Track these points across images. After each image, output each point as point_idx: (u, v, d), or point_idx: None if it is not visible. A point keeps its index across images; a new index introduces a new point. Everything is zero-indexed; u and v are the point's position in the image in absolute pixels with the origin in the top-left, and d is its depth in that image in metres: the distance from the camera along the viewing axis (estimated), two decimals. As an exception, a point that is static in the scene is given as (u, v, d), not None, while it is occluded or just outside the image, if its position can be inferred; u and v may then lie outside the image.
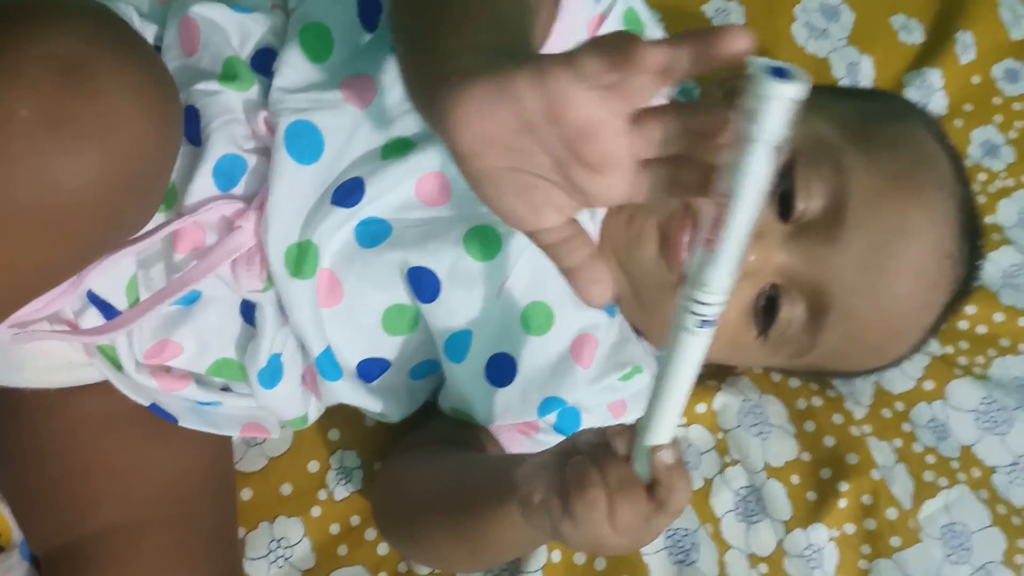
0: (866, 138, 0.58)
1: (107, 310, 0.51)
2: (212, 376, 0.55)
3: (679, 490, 0.41)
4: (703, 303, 0.37)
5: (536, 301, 0.56)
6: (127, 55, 0.40)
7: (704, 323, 0.38)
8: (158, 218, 0.51)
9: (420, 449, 0.59)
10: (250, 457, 0.62)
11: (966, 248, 0.60)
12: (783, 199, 0.56)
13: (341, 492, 0.62)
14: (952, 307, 0.63)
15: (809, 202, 0.56)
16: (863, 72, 0.82)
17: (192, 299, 0.53)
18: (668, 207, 0.51)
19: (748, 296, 0.57)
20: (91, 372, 0.54)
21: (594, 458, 0.42)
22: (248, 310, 0.54)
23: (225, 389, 0.57)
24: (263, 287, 0.52)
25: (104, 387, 0.54)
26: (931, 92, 0.82)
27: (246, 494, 0.61)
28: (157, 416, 0.55)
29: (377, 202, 0.53)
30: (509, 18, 0.41)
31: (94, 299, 0.50)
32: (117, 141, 0.38)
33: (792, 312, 0.57)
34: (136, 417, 0.55)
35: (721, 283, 0.36)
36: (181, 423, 0.55)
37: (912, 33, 0.85)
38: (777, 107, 0.32)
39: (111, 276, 0.49)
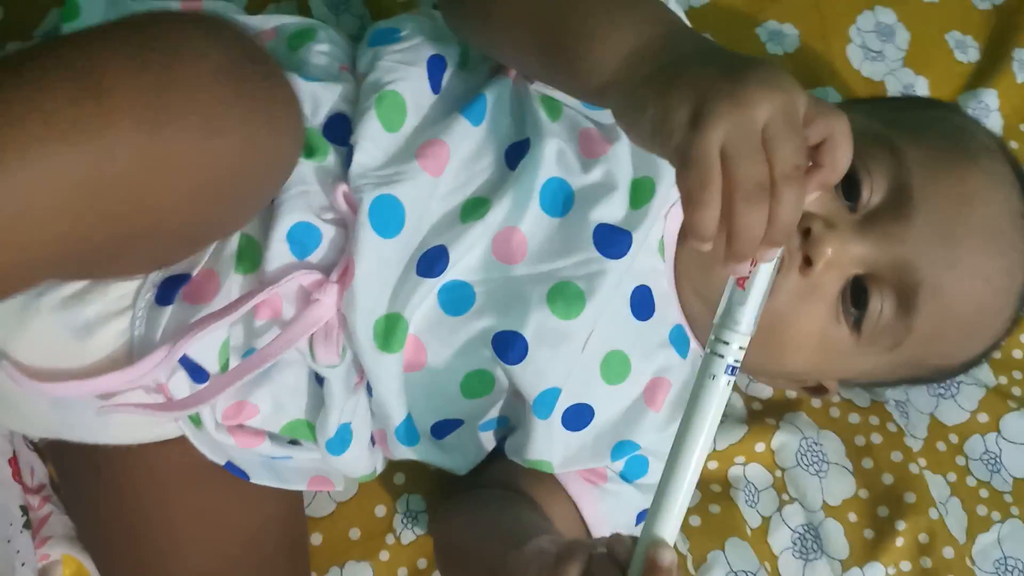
0: (907, 124, 0.59)
1: (197, 374, 0.52)
2: (285, 434, 0.56)
3: None
4: (732, 343, 0.41)
5: (614, 350, 0.57)
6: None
7: (733, 369, 0.42)
8: (241, 283, 0.52)
9: (476, 494, 0.60)
10: (319, 502, 0.63)
11: None
12: (847, 190, 0.56)
13: (408, 536, 0.63)
14: None
15: (873, 187, 0.56)
16: (919, 94, 0.81)
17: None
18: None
19: (833, 292, 0.56)
20: (171, 427, 0.55)
21: (589, 560, 0.43)
22: (319, 375, 0.54)
23: (294, 442, 0.58)
24: (339, 361, 0.52)
25: (184, 441, 0.55)
26: (987, 113, 0.81)
27: (316, 539, 0.63)
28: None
29: (459, 265, 0.53)
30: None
31: (185, 363, 0.51)
32: (275, 126, 0.41)
33: (881, 299, 0.56)
34: (215, 471, 0.56)
35: (750, 322, 0.42)
36: (253, 480, 0.56)
37: (967, 51, 0.83)
38: None
39: (205, 342, 0.50)
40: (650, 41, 0.46)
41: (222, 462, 0.55)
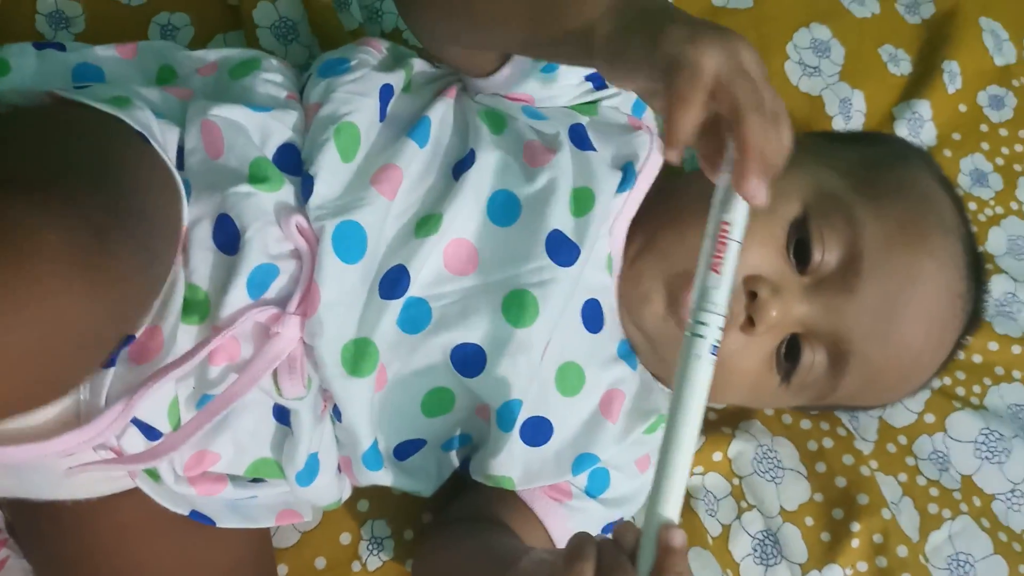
0: (871, 185, 0.61)
1: (149, 432, 0.51)
2: (249, 476, 0.56)
3: None
4: (711, 324, 0.44)
5: (568, 361, 0.58)
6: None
7: (714, 348, 0.44)
8: (192, 332, 0.51)
9: (451, 528, 0.60)
10: (283, 533, 0.63)
11: (973, 285, 0.64)
12: (799, 252, 0.58)
13: (374, 562, 0.64)
14: (961, 342, 0.66)
15: (824, 255, 0.58)
16: (855, 107, 0.83)
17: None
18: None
19: (771, 346, 0.59)
20: (129, 480, 0.54)
21: (598, 551, 0.43)
22: (282, 411, 0.54)
23: (257, 480, 0.57)
24: (305, 393, 0.52)
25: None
26: (921, 123, 0.84)
27: (282, 570, 0.63)
28: None
29: (416, 282, 0.54)
30: None
31: (136, 423, 0.50)
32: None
33: (813, 359, 0.59)
34: (179, 517, 0.55)
35: (724, 302, 0.44)
36: (219, 525, 0.55)
37: (900, 64, 0.86)
38: None
39: (153, 401, 0.49)
40: None
41: (185, 512, 0.54)
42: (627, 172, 0.59)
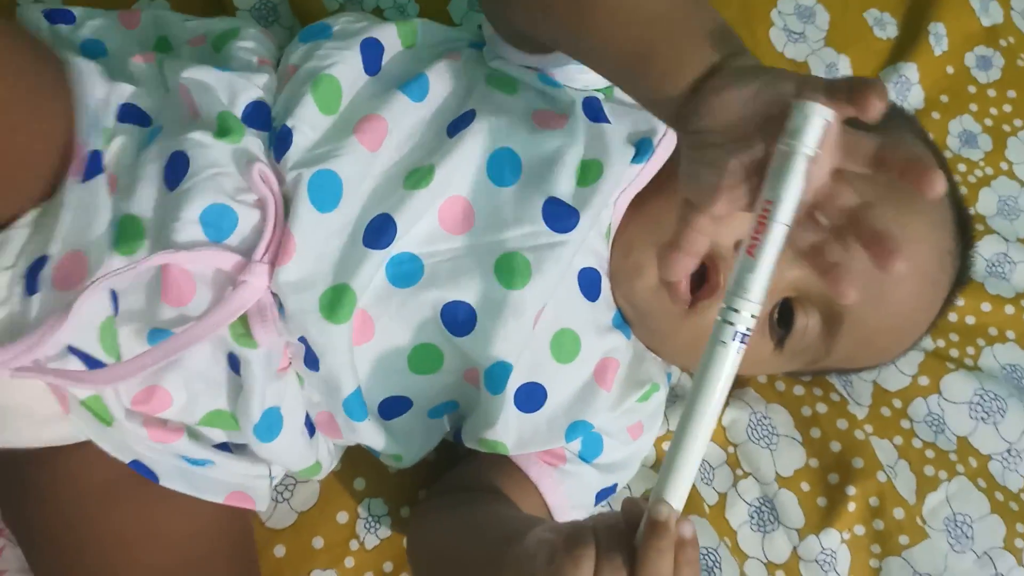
0: None
1: (89, 361, 0.51)
2: (205, 427, 0.55)
3: (655, 557, 0.41)
4: (742, 311, 0.41)
5: (564, 328, 0.58)
6: None
7: (743, 337, 0.41)
8: (137, 260, 0.50)
9: (447, 499, 0.60)
10: (279, 514, 0.63)
11: (961, 242, 0.64)
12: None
13: (372, 540, 0.64)
14: (951, 299, 0.66)
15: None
16: (841, 72, 0.83)
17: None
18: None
19: (763, 313, 0.59)
20: (71, 428, 0.53)
21: (597, 528, 0.43)
22: (235, 360, 0.53)
23: (223, 447, 0.57)
24: (279, 340, 0.52)
25: (104, 454, 0.54)
26: (908, 86, 0.84)
27: (279, 551, 0.63)
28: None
29: (407, 236, 0.54)
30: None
31: (75, 351, 0.50)
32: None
33: (807, 322, 0.59)
34: (143, 482, 0.55)
35: (761, 289, 0.41)
36: (162, 483, 0.55)
37: (886, 28, 0.86)
38: (816, 123, 0.40)
39: (86, 317, 0.49)
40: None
41: (127, 460, 0.54)
42: (644, 145, 0.59)
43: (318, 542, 0.63)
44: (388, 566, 0.63)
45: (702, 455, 0.42)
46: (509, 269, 0.54)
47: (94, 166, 0.52)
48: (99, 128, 0.53)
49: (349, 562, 0.63)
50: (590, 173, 0.57)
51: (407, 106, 0.55)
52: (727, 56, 0.46)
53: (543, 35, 0.55)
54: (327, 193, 0.52)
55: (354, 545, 0.63)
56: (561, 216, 0.55)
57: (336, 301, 0.52)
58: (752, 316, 0.42)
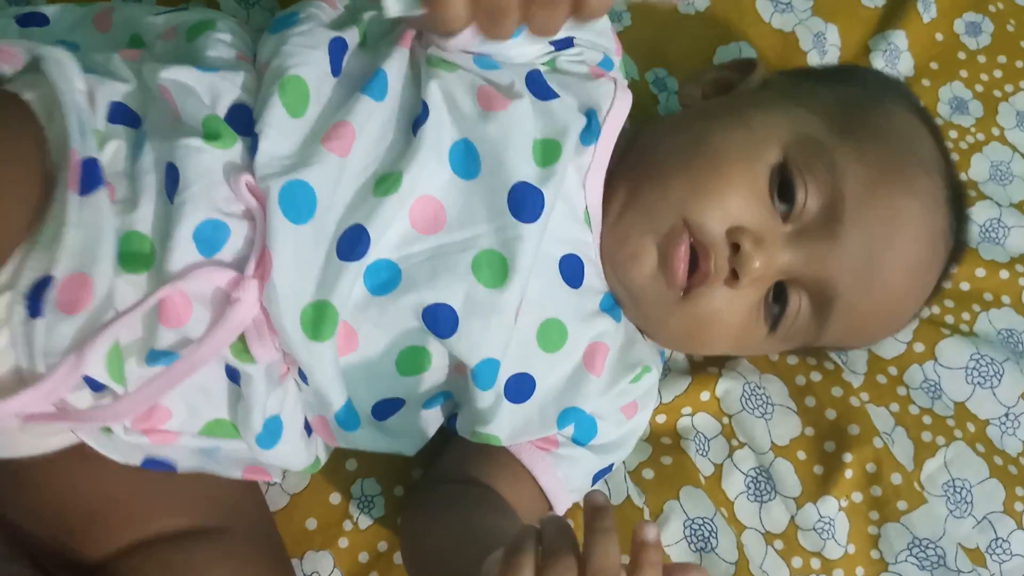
0: (852, 129, 0.60)
1: (92, 384, 0.50)
2: (205, 435, 0.55)
3: (600, 539, 0.41)
4: None
5: (549, 318, 0.57)
6: None
7: None
8: (138, 283, 0.50)
9: (435, 501, 0.59)
10: (271, 496, 0.63)
11: (955, 219, 0.63)
12: (782, 195, 0.58)
13: (365, 520, 0.63)
14: (944, 276, 0.66)
15: (807, 197, 0.58)
16: (829, 41, 0.82)
17: (173, 359, 0.51)
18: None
19: (756, 296, 0.59)
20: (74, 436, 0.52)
21: (545, 529, 0.43)
22: (234, 371, 0.53)
23: None
24: (279, 356, 0.52)
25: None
26: (897, 54, 0.83)
27: (273, 533, 0.62)
28: None
29: (380, 243, 0.53)
30: None
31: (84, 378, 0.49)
32: None
33: (798, 307, 0.59)
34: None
35: None
36: (180, 470, 0.54)
37: (873, -4, 0.85)
38: None
39: (95, 350, 0.48)
40: None
41: (138, 462, 0.53)
42: (590, 122, 0.58)
43: (311, 523, 0.63)
44: (383, 546, 0.63)
45: None
46: (487, 266, 0.54)
47: (92, 177, 0.49)
48: (89, 131, 0.50)
49: (343, 543, 0.63)
50: (550, 152, 0.56)
51: (371, 107, 0.54)
52: None
53: None
54: (300, 204, 0.51)
55: (348, 526, 0.63)
56: (527, 205, 0.54)
57: (319, 319, 0.51)
58: None
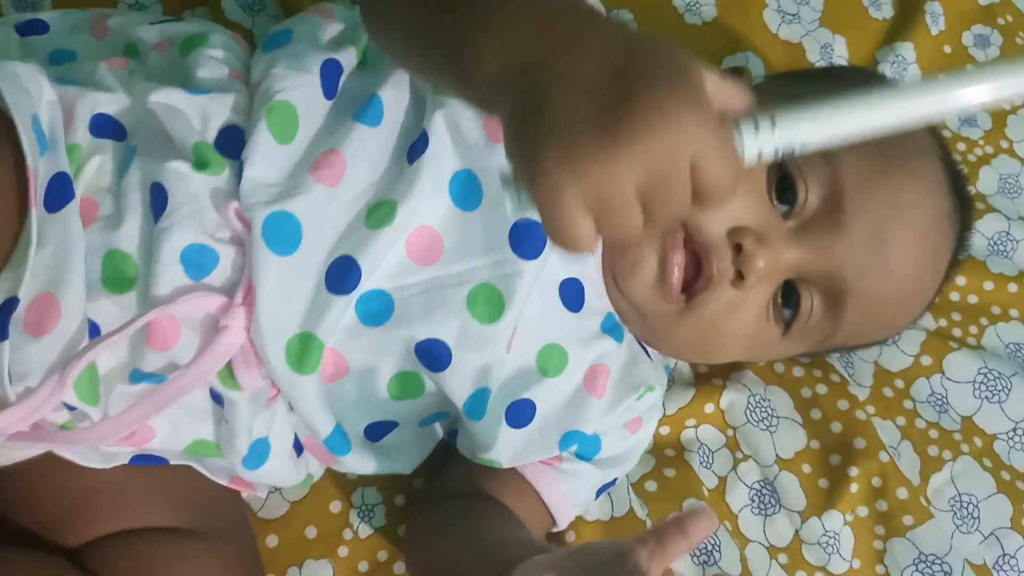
0: None
1: (69, 407, 0.49)
2: (189, 455, 0.54)
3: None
4: None
5: (549, 343, 0.57)
6: None
7: None
8: (120, 303, 0.49)
9: (439, 516, 0.59)
10: (272, 504, 0.63)
11: (958, 204, 0.63)
12: (781, 194, 0.57)
13: (365, 529, 0.63)
14: (954, 263, 0.65)
15: (808, 193, 0.57)
16: (837, 53, 0.82)
17: (159, 381, 0.50)
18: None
19: (765, 297, 0.58)
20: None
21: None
22: (218, 394, 0.52)
23: None
24: (264, 383, 0.51)
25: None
26: (905, 66, 0.83)
27: (272, 541, 0.62)
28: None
29: (374, 275, 0.52)
30: None
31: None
32: None
33: (811, 305, 0.59)
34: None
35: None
36: (173, 462, 0.54)
37: (881, 8, 0.85)
38: None
39: (75, 373, 0.47)
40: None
41: (126, 460, 0.52)
42: None
43: (311, 532, 0.62)
44: (383, 555, 0.62)
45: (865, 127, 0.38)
46: (483, 302, 0.53)
47: (60, 193, 0.47)
48: (60, 144, 0.48)
49: (343, 551, 0.62)
50: None
51: (364, 134, 0.53)
52: None
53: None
54: (285, 236, 0.50)
55: (348, 534, 0.63)
56: (529, 241, 0.54)
57: (303, 351, 0.51)
58: None
